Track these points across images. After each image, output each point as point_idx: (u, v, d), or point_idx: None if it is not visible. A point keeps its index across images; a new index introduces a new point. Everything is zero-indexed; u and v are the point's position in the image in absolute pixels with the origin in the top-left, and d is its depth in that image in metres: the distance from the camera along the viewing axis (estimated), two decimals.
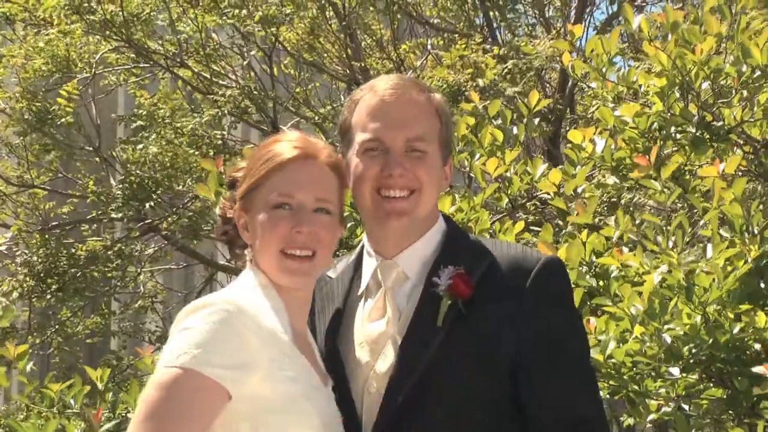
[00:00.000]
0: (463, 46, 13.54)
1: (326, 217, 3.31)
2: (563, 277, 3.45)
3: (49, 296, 15.55)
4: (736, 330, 5.13)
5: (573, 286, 5.45)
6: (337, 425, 3.29)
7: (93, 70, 15.51)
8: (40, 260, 15.38)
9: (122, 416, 5.82)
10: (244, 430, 3.12)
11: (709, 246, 5.23)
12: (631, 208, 6.08)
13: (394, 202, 3.36)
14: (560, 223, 6.01)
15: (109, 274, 16.17)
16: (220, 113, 14.65)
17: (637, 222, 5.74)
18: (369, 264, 3.48)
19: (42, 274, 15.32)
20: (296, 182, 3.29)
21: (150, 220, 15.38)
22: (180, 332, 3.15)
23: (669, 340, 5.09)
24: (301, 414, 3.17)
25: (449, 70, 12.99)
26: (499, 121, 6.43)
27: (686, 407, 5.71)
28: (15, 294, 15.37)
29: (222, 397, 3.09)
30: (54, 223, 16.43)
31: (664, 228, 5.33)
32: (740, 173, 6.00)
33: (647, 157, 5.67)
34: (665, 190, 5.57)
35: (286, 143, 3.34)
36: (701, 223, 5.41)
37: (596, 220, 6.08)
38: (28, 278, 15.31)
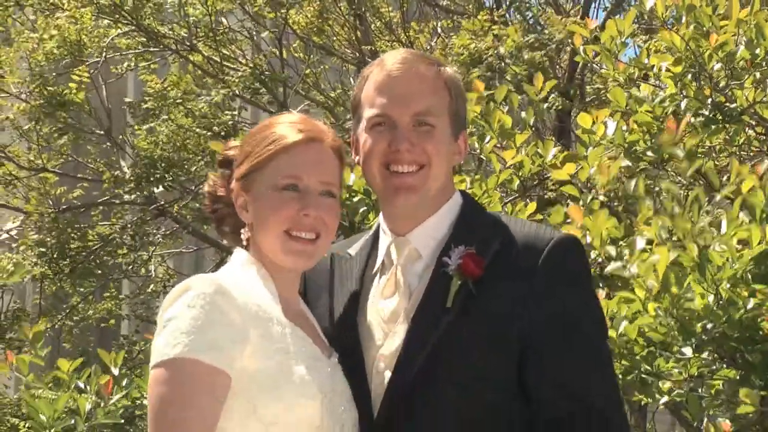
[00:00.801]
0: (485, 16, 13.53)
1: (331, 200, 3.34)
2: (578, 255, 3.38)
3: (60, 280, 15.58)
4: (750, 305, 5.13)
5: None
6: (341, 396, 3.29)
7: (103, 55, 15.51)
8: (51, 243, 15.42)
9: (137, 399, 5.84)
10: (238, 406, 3.13)
11: (723, 222, 5.23)
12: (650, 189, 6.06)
13: (403, 177, 3.35)
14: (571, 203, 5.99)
15: (120, 258, 16.20)
16: (230, 94, 14.66)
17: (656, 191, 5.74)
18: (384, 241, 3.48)
19: (54, 256, 15.36)
20: (303, 165, 3.30)
21: (161, 204, 15.40)
22: (165, 324, 3.16)
23: (686, 313, 5.11)
24: (296, 385, 3.16)
25: (471, 35, 12.99)
26: (507, 108, 6.44)
27: (699, 389, 5.73)
28: (27, 277, 15.40)
29: (223, 379, 3.10)
30: (65, 207, 16.46)
31: (682, 199, 5.34)
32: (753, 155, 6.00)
33: (675, 123, 5.66)
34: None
35: (290, 125, 3.35)
36: (717, 198, 5.41)
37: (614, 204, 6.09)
38: (40, 261, 15.35)
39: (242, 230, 3.38)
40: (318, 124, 3.40)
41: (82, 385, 5.75)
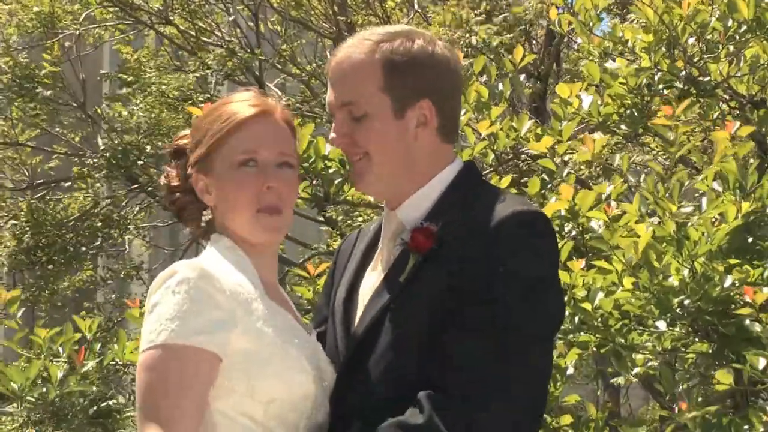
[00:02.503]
0: (454, 4, 13.53)
1: (290, 170, 3.34)
2: (531, 231, 3.18)
3: (38, 269, 15.60)
4: (727, 283, 5.13)
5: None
6: (327, 369, 3.29)
7: (79, 27, 15.44)
8: (23, 230, 15.39)
9: (110, 365, 5.86)
10: (239, 387, 3.13)
11: (704, 200, 5.23)
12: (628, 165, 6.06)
13: (354, 165, 3.33)
14: (546, 178, 5.99)
15: (97, 233, 16.18)
16: (206, 74, 14.63)
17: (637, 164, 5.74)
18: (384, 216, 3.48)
19: (31, 246, 15.35)
20: (259, 139, 3.31)
21: (136, 180, 15.37)
22: (151, 311, 3.16)
23: (663, 288, 5.09)
24: (289, 359, 3.18)
25: (442, 27, 12.98)
26: (485, 78, 6.43)
27: (673, 362, 5.73)
28: (4, 269, 15.42)
29: (212, 362, 3.09)
30: (40, 181, 16.41)
31: (665, 177, 5.34)
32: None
33: (671, 108, 5.66)
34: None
35: (241, 103, 3.35)
36: (699, 177, 5.41)
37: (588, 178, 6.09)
38: (17, 252, 15.34)
39: (204, 212, 3.37)
40: (267, 99, 3.41)
41: (60, 350, 5.75)
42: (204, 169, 3.34)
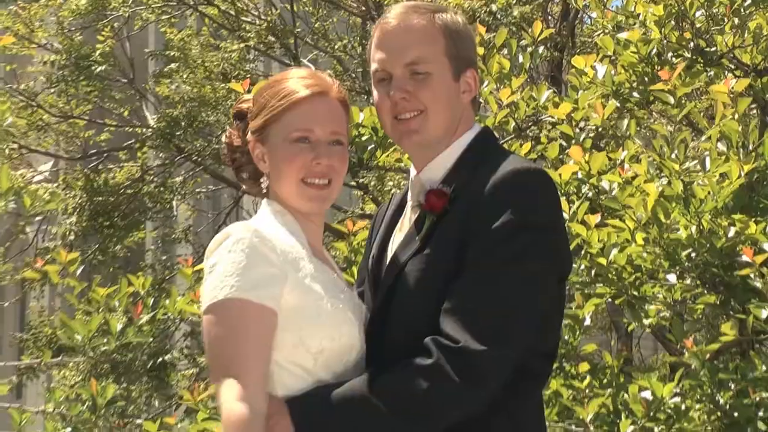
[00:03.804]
0: None
1: (340, 148, 3.35)
2: (526, 185, 3.18)
3: (99, 234, 15.72)
4: (731, 234, 5.15)
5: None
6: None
7: (128, 10, 15.49)
8: (84, 200, 15.49)
9: (162, 318, 5.91)
10: (288, 339, 3.14)
11: (707, 160, 5.24)
12: (638, 130, 6.08)
13: (406, 123, 3.32)
14: (564, 143, 6.01)
15: (145, 198, 16.26)
16: (245, 47, 14.65)
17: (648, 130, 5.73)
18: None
19: (93, 213, 15.45)
20: (314, 118, 3.31)
21: (182, 150, 15.43)
22: (210, 270, 3.17)
23: (672, 242, 5.10)
24: (335, 313, 3.20)
25: None
26: (505, 51, 6.45)
27: (682, 313, 5.76)
28: (72, 236, 15.52)
29: (270, 316, 3.11)
30: (93, 152, 16.48)
31: (670, 139, 5.35)
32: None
33: (670, 72, 5.66)
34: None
35: (299, 81, 3.35)
36: (703, 138, 5.42)
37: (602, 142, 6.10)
38: (82, 220, 15.44)
39: (261, 179, 3.39)
40: (324, 78, 3.40)
41: (116, 305, 5.81)
42: (261, 139, 3.35)
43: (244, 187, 3.53)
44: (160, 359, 12.25)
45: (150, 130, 15.38)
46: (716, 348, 5.40)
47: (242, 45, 14.79)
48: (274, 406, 3.06)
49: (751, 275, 5.16)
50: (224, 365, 3.08)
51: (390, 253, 3.40)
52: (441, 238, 3.21)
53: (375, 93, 3.40)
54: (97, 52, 15.30)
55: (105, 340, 5.57)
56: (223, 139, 3.49)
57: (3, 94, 15.57)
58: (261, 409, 3.02)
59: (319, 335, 3.16)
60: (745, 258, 5.10)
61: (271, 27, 14.63)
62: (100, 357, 5.65)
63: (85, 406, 5.77)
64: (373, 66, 3.38)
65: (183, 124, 15.01)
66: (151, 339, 5.67)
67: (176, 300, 5.81)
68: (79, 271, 5.97)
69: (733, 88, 5.47)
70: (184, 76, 15.57)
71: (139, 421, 6.36)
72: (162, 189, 15.99)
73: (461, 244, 3.15)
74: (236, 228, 3.21)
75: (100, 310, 5.74)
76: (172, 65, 15.94)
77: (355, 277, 3.96)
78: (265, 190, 3.39)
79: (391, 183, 11.57)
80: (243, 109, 3.44)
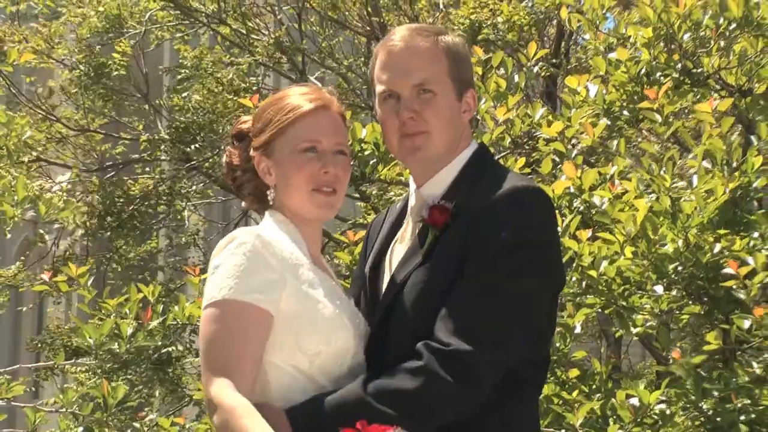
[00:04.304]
0: None
1: (343, 158, 3.38)
2: (523, 202, 3.20)
3: (108, 233, 15.71)
4: (716, 249, 5.15)
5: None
6: (363, 327, 3.33)
7: (143, 28, 15.53)
8: (99, 202, 15.53)
9: (172, 324, 5.93)
10: (286, 341, 3.15)
11: (695, 177, 5.24)
12: (627, 148, 6.08)
13: (412, 139, 3.33)
14: (557, 159, 6.02)
15: (159, 208, 16.28)
16: (255, 61, 14.68)
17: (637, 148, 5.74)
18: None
19: (102, 213, 15.47)
20: (320, 129, 3.33)
21: (194, 161, 15.46)
22: (213, 271, 3.20)
23: (660, 256, 5.10)
24: (332, 318, 3.21)
25: (471, 8, 13.08)
26: (502, 71, 6.45)
27: (668, 323, 5.75)
28: (79, 231, 15.53)
29: (266, 318, 3.13)
30: (109, 163, 16.50)
31: (658, 157, 5.35)
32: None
33: (655, 91, 5.67)
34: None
35: (302, 96, 3.38)
36: (690, 156, 5.42)
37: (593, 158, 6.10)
38: (90, 217, 15.45)
39: (268, 192, 3.40)
40: (325, 93, 3.43)
41: (127, 312, 5.83)
42: (266, 153, 3.37)
43: (245, 204, 3.54)
44: (165, 351, 12.21)
45: (161, 137, 15.38)
46: (702, 359, 5.39)
47: (251, 59, 14.82)
48: (273, 417, 3.05)
49: (735, 287, 5.16)
50: (217, 363, 3.09)
51: (388, 264, 3.40)
52: (442, 253, 3.22)
53: (380, 111, 3.41)
54: (114, 62, 15.33)
55: (116, 345, 5.59)
56: (224, 159, 3.51)
57: (23, 108, 15.61)
58: (250, 405, 3.02)
59: (316, 339, 3.17)
60: (729, 270, 5.10)
61: (278, 43, 14.66)
62: (110, 358, 5.66)
63: (96, 405, 5.78)
64: (379, 86, 3.39)
65: (193, 131, 15.03)
66: (159, 343, 5.68)
67: (184, 306, 5.83)
68: (91, 281, 5.97)
69: (717, 107, 5.48)
70: (195, 86, 15.61)
71: (151, 416, 6.36)
72: (173, 197, 16.00)
73: (461, 259, 3.16)
74: (241, 232, 3.24)
75: (112, 315, 5.76)
76: (185, 73, 15.96)
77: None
78: (271, 202, 3.39)
79: (392, 193, 11.57)
80: (243, 129, 3.47)
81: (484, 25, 12.70)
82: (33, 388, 16.23)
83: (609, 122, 6.21)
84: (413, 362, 3.07)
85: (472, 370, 3.05)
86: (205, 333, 3.15)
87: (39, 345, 16.90)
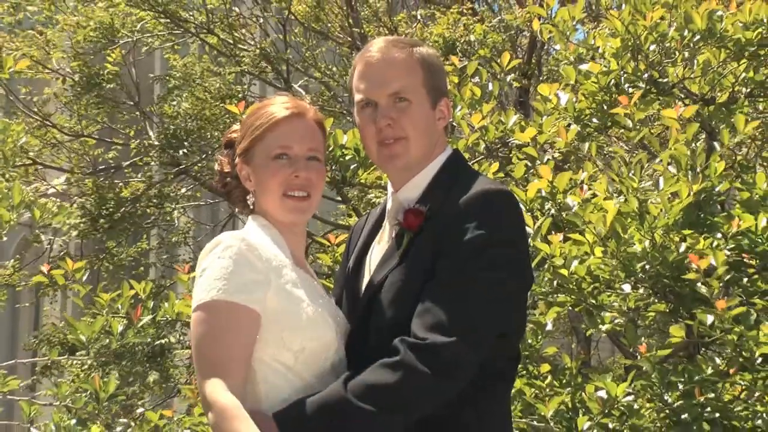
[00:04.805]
0: (456, 11, 13.64)
1: (317, 163, 3.37)
2: (492, 204, 3.21)
3: (100, 234, 15.67)
4: (681, 249, 5.16)
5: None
6: (343, 324, 3.34)
7: (133, 37, 15.49)
8: (92, 204, 15.48)
9: (161, 320, 5.92)
10: (271, 338, 3.15)
11: (661, 180, 5.25)
12: (597, 152, 6.09)
13: (390, 147, 3.34)
14: (529, 164, 6.02)
15: (149, 211, 16.24)
16: (242, 71, 14.67)
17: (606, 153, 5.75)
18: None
19: (95, 215, 15.42)
20: (292, 136, 3.34)
21: (183, 165, 15.43)
22: (201, 274, 3.20)
23: (628, 255, 5.11)
24: (315, 315, 3.21)
25: (446, 27, 13.11)
26: (476, 79, 6.45)
27: (635, 320, 5.75)
28: (73, 232, 15.48)
29: (254, 318, 3.13)
30: (101, 167, 16.44)
31: (628, 160, 5.36)
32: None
33: (628, 98, 5.68)
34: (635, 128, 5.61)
35: (279, 105, 3.38)
36: (657, 160, 5.43)
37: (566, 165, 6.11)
38: (83, 218, 15.40)
39: (248, 197, 3.41)
40: (301, 103, 3.44)
41: (119, 308, 5.82)
42: (246, 160, 3.38)
43: (236, 209, 3.54)
44: (157, 343, 12.18)
45: (151, 143, 15.35)
46: (667, 353, 5.40)
47: (237, 69, 14.82)
48: (261, 421, 3.04)
49: (698, 283, 5.17)
50: (209, 363, 3.09)
51: (368, 264, 3.41)
52: (417, 254, 3.23)
53: (358, 119, 3.41)
54: (106, 71, 15.30)
55: (107, 341, 5.58)
56: (215, 167, 3.52)
57: (19, 115, 15.55)
58: (240, 402, 3.02)
59: (300, 336, 3.17)
60: (693, 265, 5.11)
61: (264, 54, 14.65)
62: (103, 353, 5.65)
63: (88, 398, 5.76)
64: (358, 95, 3.39)
65: (181, 137, 15.01)
66: (149, 339, 5.66)
67: (174, 303, 5.82)
68: (86, 276, 5.96)
69: (682, 114, 5.49)
70: (185, 94, 15.59)
71: (140, 410, 6.34)
72: (162, 200, 15.97)
73: (435, 259, 3.17)
74: (226, 236, 3.24)
75: (105, 312, 5.75)
76: (174, 82, 15.95)
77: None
78: (252, 207, 3.38)
79: (371, 195, 11.57)
80: (232, 138, 3.49)
81: (458, 43, 12.73)
82: (31, 381, 16.16)
83: (579, 129, 6.21)
84: (391, 358, 3.07)
85: (448, 362, 3.05)
86: (195, 334, 3.14)
87: (36, 342, 16.83)
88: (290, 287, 3.21)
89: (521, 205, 3.68)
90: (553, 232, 5.46)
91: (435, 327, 3.07)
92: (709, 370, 5.39)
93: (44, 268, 5.99)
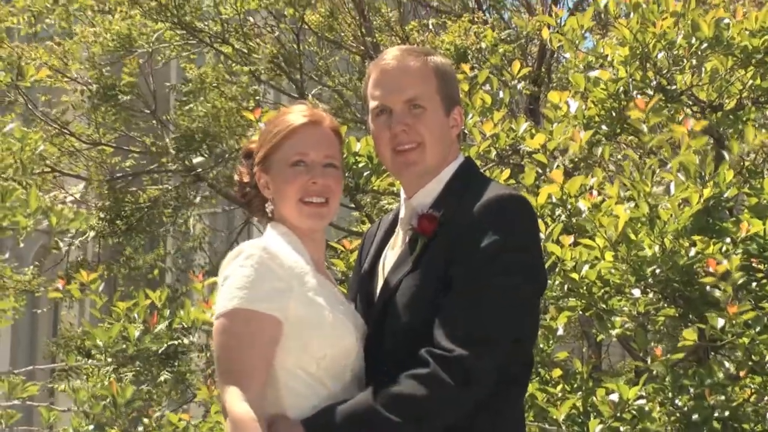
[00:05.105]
0: (467, 19, 13.66)
1: (334, 170, 3.37)
2: (506, 210, 3.20)
3: (117, 236, 15.70)
4: (691, 254, 5.14)
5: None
6: (363, 330, 3.33)
7: (150, 47, 15.53)
8: (109, 206, 15.52)
9: (177, 328, 5.93)
10: (294, 345, 3.14)
11: (672, 185, 5.24)
12: (607, 159, 6.08)
13: (405, 155, 3.33)
14: (539, 170, 6.01)
15: (165, 218, 16.26)
16: (256, 78, 14.72)
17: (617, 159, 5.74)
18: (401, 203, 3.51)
19: (112, 217, 15.45)
20: (308, 143, 3.33)
21: (198, 171, 15.46)
22: (224, 283, 3.19)
23: (638, 260, 5.09)
24: (336, 322, 3.21)
25: (457, 35, 13.12)
26: (488, 87, 6.45)
27: (645, 324, 5.73)
28: (91, 233, 15.51)
29: (276, 325, 3.12)
30: (119, 175, 16.48)
31: (640, 165, 5.35)
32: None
33: (644, 102, 5.66)
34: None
35: (296, 113, 3.38)
36: (668, 167, 5.42)
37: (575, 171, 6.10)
38: (101, 221, 15.44)
39: (266, 205, 3.40)
40: (318, 111, 3.44)
41: (135, 316, 5.83)
42: (265, 168, 3.37)
43: (255, 219, 3.54)
44: (171, 344, 12.18)
45: (167, 149, 15.39)
46: (681, 357, 5.38)
47: (252, 68, 14.86)
48: (290, 428, 3.07)
49: (710, 286, 5.16)
50: (231, 370, 3.08)
51: (381, 270, 3.40)
52: (431, 259, 3.23)
53: (373, 126, 3.41)
54: (122, 82, 15.35)
55: (124, 346, 5.59)
56: (235, 177, 3.52)
57: (38, 123, 15.59)
58: (261, 411, 3.02)
59: (322, 343, 3.16)
60: (709, 269, 5.10)
61: (277, 63, 14.68)
62: (119, 358, 5.66)
63: (106, 404, 5.77)
64: (373, 102, 3.39)
65: (197, 141, 15.04)
66: (165, 345, 5.67)
67: (190, 311, 5.82)
68: (102, 286, 5.97)
69: (692, 128, 5.48)
70: (200, 99, 15.64)
71: (157, 414, 6.35)
72: (179, 207, 16.00)
73: (449, 265, 3.17)
74: (248, 245, 3.23)
75: (122, 319, 5.76)
76: (190, 86, 16.00)
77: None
78: (270, 215, 3.38)
79: (384, 202, 11.57)
80: (251, 149, 3.48)
81: (469, 51, 12.73)
82: (49, 386, 16.18)
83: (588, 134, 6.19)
84: (419, 369, 3.07)
85: (474, 373, 3.06)
86: (218, 342, 3.13)
87: (54, 348, 16.86)
88: (312, 294, 3.20)
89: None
90: (564, 236, 5.44)
91: (458, 337, 3.07)
92: (721, 375, 5.37)
93: (59, 284, 5.99)
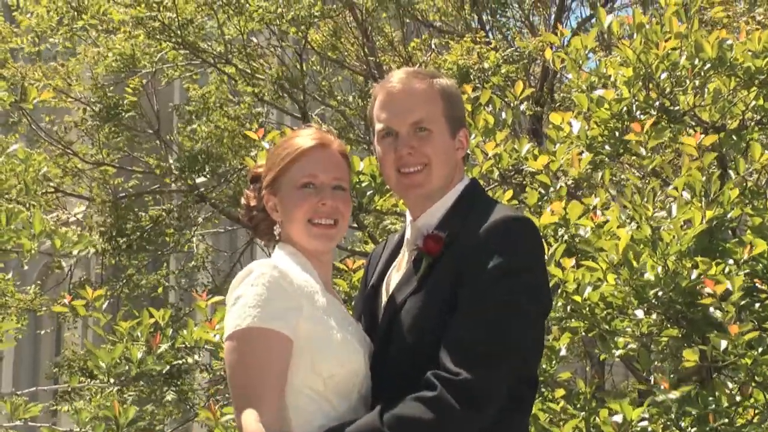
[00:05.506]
0: (469, 39, 13.69)
1: (342, 192, 3.39)
2: (512, 231, 3.21)
3: (119, 254, 15.70)
4: (694, 275, 5.14)
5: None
6: (370, 352, 3.34)
7: (153, 67, 15.57)
8: (111, 223, 15.53)
9: (180, 347, 5.93)
10: (303, 363, 3.15)
11: (674, 207, 5.24)
12: (610, 179, 6.09)
13: (411, 177, 3.35)
14: (542, 191, 6.01)
15: (168, 238, 16.27)
16: (259, 99, 14.75)
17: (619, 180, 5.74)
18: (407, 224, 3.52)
19: (113, 235, 15.46)
20: (317, 166, 3.35)
21: (201, 191, 15.48)
22: (234, 302, 3.19)
23: (641, 282, 5.09)
24: (344, 342, 3.21)
25: (460, 55, 13.16)
26: (490, 108, 6.46)
27: (648, 345, 5.73)
28: (91, 251, 15.50)
29: (287, 343, 3.13)
30: (122, 195, 16.51)
31: (641, 188, 5.36)
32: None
33: (641, 126, 5.68)
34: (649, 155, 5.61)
35: (304, 136, 3.40)
36: (670, 187, 5.42)
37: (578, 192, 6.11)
38: (102, 239, 15.44)
39: (274, 227, 3.41)
40: (326, 134, 3.46)
41: (138, 335, 5.84)
42: (273, 191, 3.39)
43: (262, 242, 3.55)
44: (175, 363, 12.17)
45: (171, 168, 15.42)
46: (688, 389, 5.37)
47: (255, 90, 14.90)
48: None
49: (712, 307, 5.16)
50: (246, 390, 3.08)
51: (385, 290, 3.41)
52: (436, 280, 3.24)
53: (378, 148, 3.42)
54: (125, 101, 15.40)
55: (127, 367, 5.60)
56: (242, 201, 3.53)
57: (41, 143, 15.62)
58: (275, 430, 3.02)
59: (330, 362, 3.17)
60: (707, 290, 5.10)
61: (280, 84, 14.72)
62: (122, 380, 5.67)
63: (108, 425, 5.77)
64: (379, 125, 3.40)
65: (201, 161, 15.06)
66: (168, 366, 5.67)
67: (193, 330, 5.82)
68: (105, 305, 5.98)
69: (701, 142, 5.49)
70: (204, 119, 15.68)
71: None
72: (181, 226, 16.02)
73: (454, 286, 3.18)
74: (258, 265, 3.24)
75: (125, 339, 5.77)
76: (193, 105, 16.04)
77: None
78: (278, 237, 3.39)
79: (387, 222, 11.58)
80: (258, 173, 3.50)
81: (472, 70, 12.77)
82: (51, 407, 16.15)
83: (592, 156, 6.20)
84: (426, 392, 3.08)
85: (480, 397, 3.07)
86: (231, 361, 3.14)
87: (57, 369, 16.84)
88: (321, 314, 3.22)
89: None
90: (566, 258, 5.45)
91: (464, 361, 3.08)
92: (724, 400, 5.36)
93: (66, 300, 6.01)
